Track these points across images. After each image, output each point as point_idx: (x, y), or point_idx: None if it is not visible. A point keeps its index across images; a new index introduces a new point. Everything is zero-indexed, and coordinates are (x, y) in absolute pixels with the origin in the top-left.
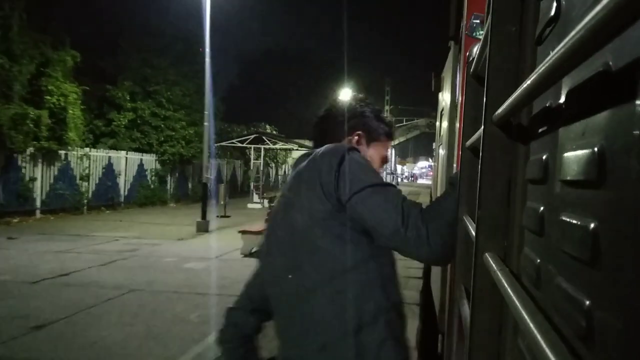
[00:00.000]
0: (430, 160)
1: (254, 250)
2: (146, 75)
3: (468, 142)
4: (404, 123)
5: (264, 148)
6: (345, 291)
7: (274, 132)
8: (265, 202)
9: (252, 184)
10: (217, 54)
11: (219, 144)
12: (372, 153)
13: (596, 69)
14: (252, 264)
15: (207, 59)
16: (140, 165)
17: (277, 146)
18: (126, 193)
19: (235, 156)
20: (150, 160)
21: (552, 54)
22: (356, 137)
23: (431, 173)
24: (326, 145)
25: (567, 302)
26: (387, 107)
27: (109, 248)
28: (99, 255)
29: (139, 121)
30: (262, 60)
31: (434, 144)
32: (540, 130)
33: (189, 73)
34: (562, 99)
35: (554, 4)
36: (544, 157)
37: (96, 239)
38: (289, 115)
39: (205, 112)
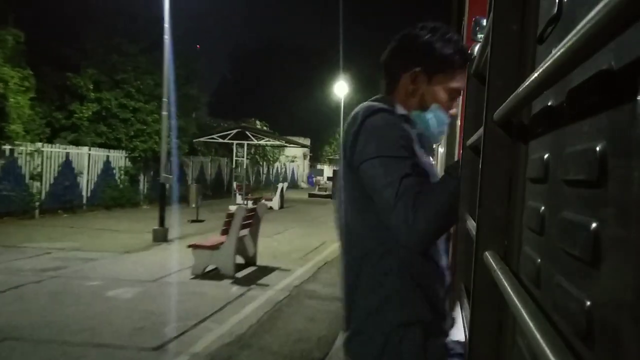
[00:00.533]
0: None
1: (208, 269)
2: (114, 63)
3: (469, 141)
4: None
5: (252, 144)
6: (360, 258)
7: (265, 127)
8: (250, 203)
9: (235, 184)
10: (207, 46)
11: (198, 140)
12: (435, 90)
13: (598, 69)
14: (202, 289)
15: (167, 36)
16: (107, 163)
17: (262, 142)
18: (89, 194)
19: (221, 153)
20: (118, 157)
21: (553, 53)
22: (412, 76)
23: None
24: (361, 104)
25: (567, 301)
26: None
27: (29, 265)
28: (7, 277)
29: (104, 113)
30: (258, 54)
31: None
32: (541, 129)
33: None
34: (564, 98)
35: (556, 3)
36: (544, 157)
37: (24, 252)
38: (284, 111)
39: (164, 100)
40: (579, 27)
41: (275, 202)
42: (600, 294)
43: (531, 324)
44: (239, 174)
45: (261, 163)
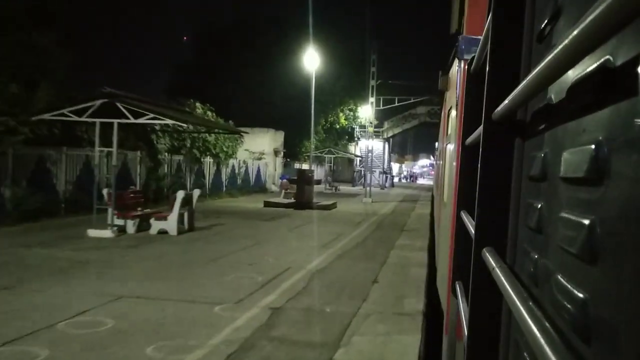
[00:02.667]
0: (432, 158)
1: None
2: None
3: (468, 139)
4: (397, 103)
5: (184, 131)
6: None
7: (209, 112)
8: (133, 225)
9: (105, 193)
10: (167, 23)
11: (38, 117)
12: None
13: (596, 67)
14: None
15: None
16: None
17: (143, 121)
18: None
19: (129, 146)
20: None
21: (552, 51)
22: None
23: (432, 172)
24: None
25: (565, 299)
26: (372, 83)
27: None
28: None
29: None
30: (221, 33)
31: (436, 143)
32: (539, 127)
33: None
34: (562, 97)
35: (555, 2)
36: (543, 155)
37: None
38: (251, 98)
39: None
40: (577, 26)
41: (171, 223)
42: (598, 291)
43: (529, 321)
44: (106, 175)
45: (202, 159)
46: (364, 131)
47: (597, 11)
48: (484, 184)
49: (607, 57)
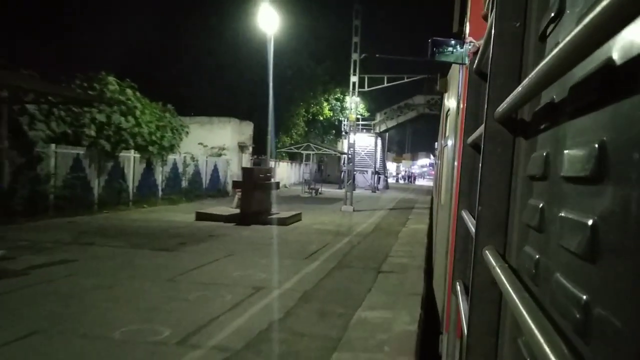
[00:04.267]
0: (432, 157)
1: None
2: None
3: (469, 139)
4: (386, 84)
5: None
6: None
7: (129, 90)
8: None
9: None
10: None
11: None
12: None
13: (599, 66)
14: None
15: None
16: None
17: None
18: None
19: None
20: None
21: (555, 49)
22: None
23: (433, 173)
24: None
25: (566, 298)
26: (354, 57)
27: None
28: None
29: None
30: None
31: (436, 144)
32: (541, 126)
33: None
34: (564, 96)
35: (557, 1)
36: (544, 154)
37: None
38: (213, 81)
39: None
40: (581, 24)
41: None
42: (598, 291)
43: (530, 321)
44: None
45: (116, 153)
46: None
47: (599, 11)
48: (485, 183)
49: (609, 56)
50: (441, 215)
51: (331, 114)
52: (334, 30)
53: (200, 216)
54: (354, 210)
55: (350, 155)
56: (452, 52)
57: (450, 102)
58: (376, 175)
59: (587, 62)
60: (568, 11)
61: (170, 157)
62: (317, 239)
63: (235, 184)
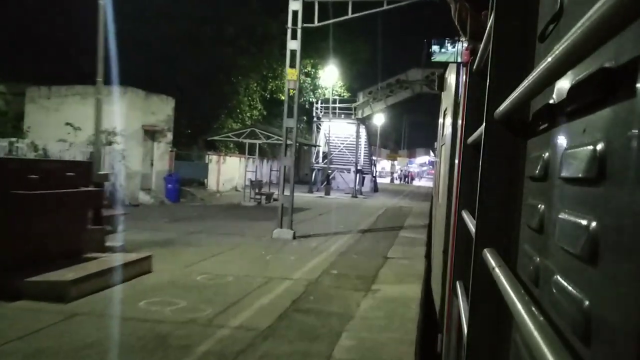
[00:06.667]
0: (432, 154)
1: None
2: None
3: (470, 139)
4: (351, 15)
5: None
6: None
7: None
8: None
9: None
10: None
11: None
12: None
13: (597, 67)
14: None
15: None
16: None
17: None
18: None
19: None
20: None
21: (554, 50)
22: None
23: (433, 172)
24: None
25: (566, 299)
26: None
27: None
28: None
29: None
30: None
31: (435, 143)
32: (541, 127)
33: None
34: (563, 97)
35: (557, 1)
36: (544, 155)
37: None
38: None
39: None
40: (579, 25)
41: None
42: (598, 292)
43: (529, 321)
44: None
45: None
46: (330, 107)
47: (599, 12)
48: (485, 183)
49: (608, 57)
50: (439, 213)
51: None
52: None
53: None
54: (294, 238)
55: (290, 143)
56: (447, 50)
57: (448, 101)
58: (359, 175)
59: (586, 62)
60: (568, 11)
61: None
62: None
63: (96, 183)
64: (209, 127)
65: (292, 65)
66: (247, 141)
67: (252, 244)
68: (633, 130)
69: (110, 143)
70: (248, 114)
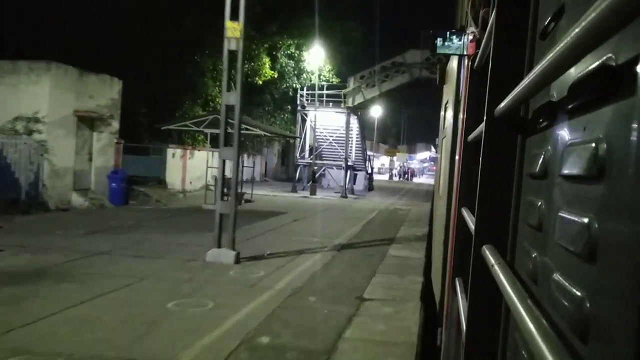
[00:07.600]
0: (433, 149)
1: None
2: None
3: (470, 136)
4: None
5: None
6: None
7: None
8: None
9: None
10: None
11: None
12: None
13: (598, 65)
14: None
15: None
16: None
17: None
18: None
19: None
20: None
21: (555, 48)
22: None
23: (434, 168)
24: None
25: (564, 297)
26: None
27: None
28: None
29: None
30: None
31: (436, 140)
32: (541, 125)
33: None
34: (564, 94)
35: (558, 0)
36: (544, 152)
37: None
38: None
39: None
40: (579, 24)
41: None
42: (596, 289)
43: (527, 319)
44: None
45: None
46: (316, 95)
47: (600, 9)
48: (485, 180)
49: (609, 55)
50: (439, 208)
51: (275, 75)
52: None
53: None
54: (237, 262)
55: (231, 132)
56: (453, 43)
57: (450, 95)
58: (350, 172)
59: (587, 60)
60: (569, 9)
61: None
62: None
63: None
64: (173, 116)
65: (234, 18)
66: (209, 131)
67: (167, 274)
68: (633, 128)
69: (30, 132)
70: (219, 101)
